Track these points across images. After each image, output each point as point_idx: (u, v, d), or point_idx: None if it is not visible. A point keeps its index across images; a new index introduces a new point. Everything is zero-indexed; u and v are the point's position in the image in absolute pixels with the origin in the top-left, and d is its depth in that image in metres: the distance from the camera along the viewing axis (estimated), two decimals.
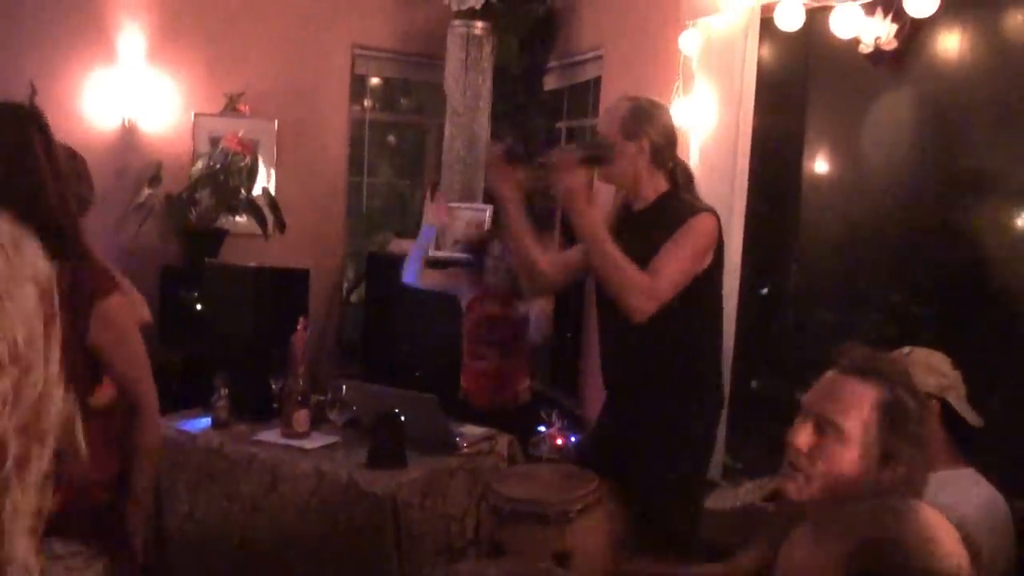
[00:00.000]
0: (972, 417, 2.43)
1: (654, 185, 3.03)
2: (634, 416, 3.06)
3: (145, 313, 2.84)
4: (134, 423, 2.40)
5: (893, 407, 1.77)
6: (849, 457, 1.75)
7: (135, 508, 2.45)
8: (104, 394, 2.36)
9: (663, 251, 2.85)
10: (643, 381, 3.04)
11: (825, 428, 1.79)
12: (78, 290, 2.16)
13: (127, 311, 2.36)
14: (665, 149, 3.02)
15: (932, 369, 2.44)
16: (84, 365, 2.26)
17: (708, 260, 2.93)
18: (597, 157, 2.94)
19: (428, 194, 5.09)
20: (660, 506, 2.92)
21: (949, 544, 1.18)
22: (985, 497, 2.32)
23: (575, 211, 2.87)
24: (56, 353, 1.03)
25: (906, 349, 2.50)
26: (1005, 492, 2.38)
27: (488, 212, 5.13)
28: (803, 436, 1.81)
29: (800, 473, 1.79)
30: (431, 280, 4.79)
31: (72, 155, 3.12)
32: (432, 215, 4.84)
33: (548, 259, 3.20)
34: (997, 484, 2.39)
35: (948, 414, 2.41)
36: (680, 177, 3.07)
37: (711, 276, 2.97)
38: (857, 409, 1.77)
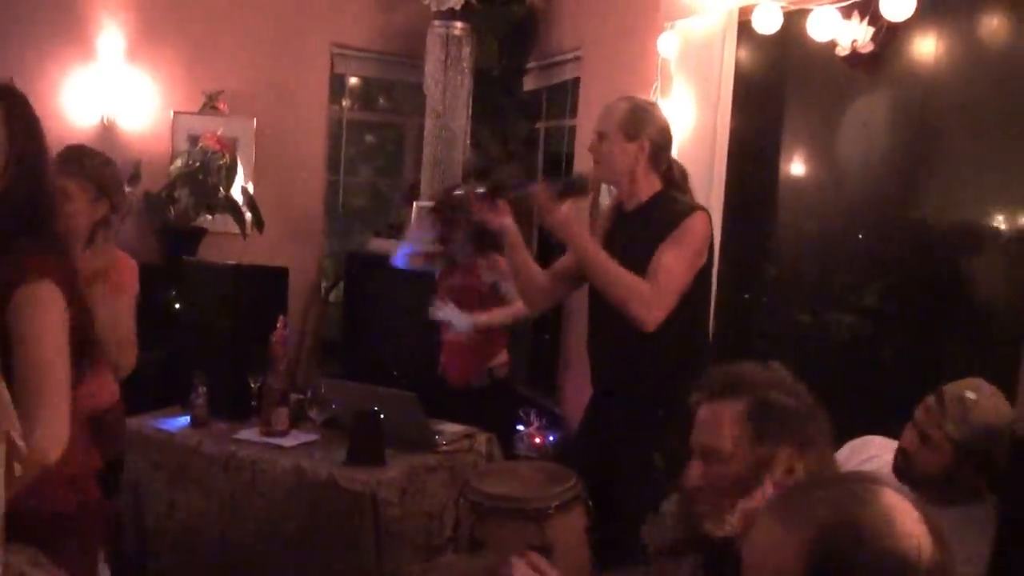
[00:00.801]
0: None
1: (649, 185, 3.06)
2: (620, 411, 3.08)
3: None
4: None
5: (761, 412, 1.82)
6: (731, 469, 1.82)
7: None
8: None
9: (664, 255, 2.88)
10: (629, 377, 3.07)
11: (708, 458, 1.86)
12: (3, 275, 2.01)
13: (44, 300, 2.04)
14: (663, 149, 3.07)
15: (990, 432, 2.29)
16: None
17: (704, 258, 2.98)
18: (572, 191, 2.97)
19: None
20: (644, 500, 2.93)
21: (909, 524, 1.20)
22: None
23: (568, 240, 2.94)
24: None
25: (972, 395, 2.34)
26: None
27: None
28: (692, 474, 1.88)
29: (706, 507, 1.85)
30: (417, 265, 4.85)
31: (106, 162, 3.17)
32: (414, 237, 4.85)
33: (545, 274, 3.23)
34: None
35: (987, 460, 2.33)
36: (676, 177, 3.12)
37: (704, 273, 3.01)
38: (727, 427, 1.83)
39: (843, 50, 3.53)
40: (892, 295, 3.58)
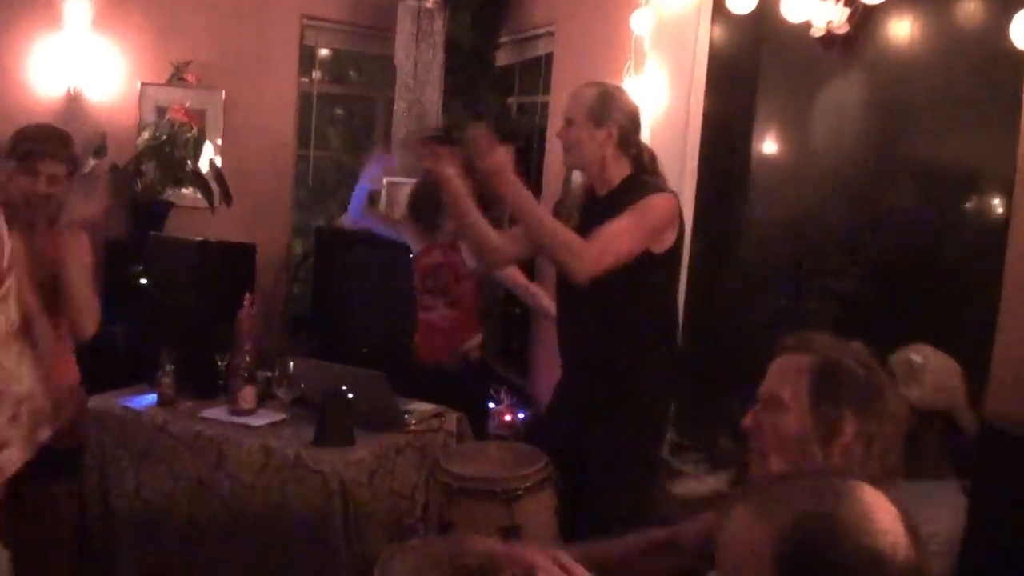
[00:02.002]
0: (973, 428, 2.41)
1: (618, 170, 3.07)
2: (588, 392, 3.09)
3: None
4: None
5: (825, 369, 1.80)
6: (788, 421, 1.79)
7: None
8: None
9: (613, 221, 2.88)
10: (597, 357, 3.08)
11: (767, 404, 1.85)
12: None
13: None
14: (631, 134, 3.07)
15: (942, 388, 2.42)
16: None
17: (667, 241, 2.97)
18: (519, 133, 2.95)
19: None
20: (613, 480, 2.96)
21: (887, 521, 1.19)
22: (959, 520, 2.29)
23: (501, 187, 2.86)
24: None
25: (918, 357, 2.46)
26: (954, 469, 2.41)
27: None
28: (749, 417, 1.87)
29: (754, 452, 1.85)
30: (376, 221, 4.79)
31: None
32: (369, 174, 4.78)
33: (499, 235, 3.20)
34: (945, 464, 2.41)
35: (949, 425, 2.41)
36: (645, 160, 3.12)
37: (670, 258, 3.02)
38: (790, 377, 1.82)
39: (818, 31, 3.51)
40: (866, 279, 3.59)
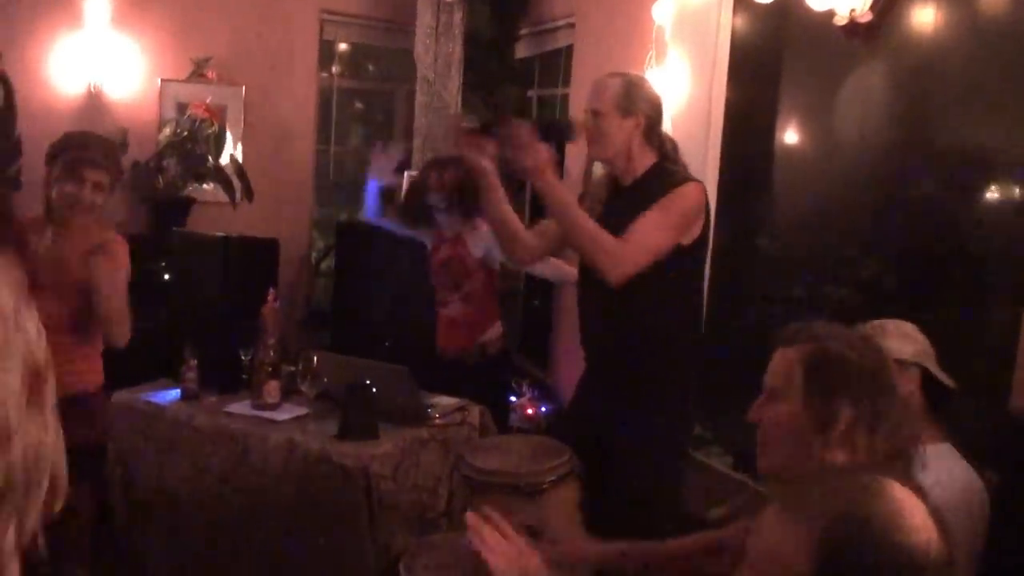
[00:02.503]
0: (948, 381, 2.45)
1: (643, 160, 3.03)
2: (613, 385, 3.07)
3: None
4: None
5: (816, 358, 1.79)
6: (785, 413, 1.80)
7: None
8: None
9: (642, 217, 2.85)
10: (622, 350, 3.05)
11: (768, 397, 1.86)
12: None
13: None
14: (656, 123, 3.04)
15: (906, 337, 2.47)
16: None
17: (695, 232, 2.94)
18: (558, 133, 2.94)
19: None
20: (639, 474, 2.94)
21: (918, 518, 1.18)
22: (963, 480, 2.32)
23: (541, 185, 2.86)
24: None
25: (876, 322, 2.51)
26: (978, 463, 2.40)
27: None
28: (753, 409, 1.89)
29: (759, 444, 1.87)
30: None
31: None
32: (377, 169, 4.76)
33: (529, 230, 3.19)
34: (970, 456, 2.40)
35: (925, 383, 2.43)
36: (668, 149, 3.09)
37: (697, 249, 2.99)
38: (785, 369, 1.83)
39: (841, 19, 3.47)
40: (889, 268, 3.56)
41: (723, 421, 4.04)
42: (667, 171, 3.01)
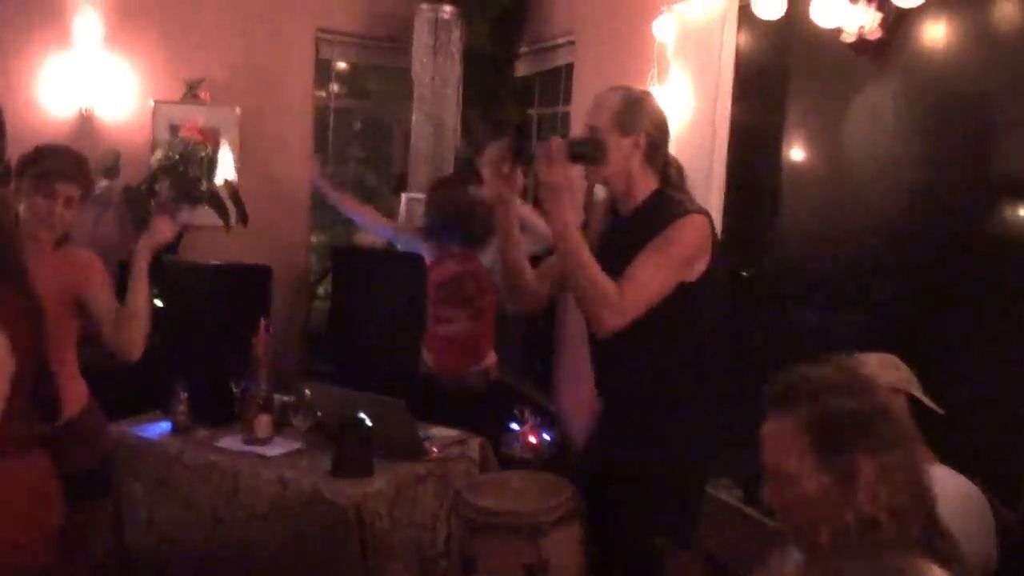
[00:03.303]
0: (935, 407, 2.44)
1: (645, 185, 2.77)
2: (626, 428, 2.83)
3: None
4: None
5: (818, 422, 1.69)
6: (805, 488, 1.69)
7: None
8: None
9: (639, 258, 2.60)
10: (634, 389, 2.82)
11: (777, 478, 1.75)
12: None
13: None
14: (659, 144, 2.78)
15: (888, 366, 2.46)
16: None
17: (700, 267, 2.67)
18: (587, 154, 2.74)
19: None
20: (649, 520, 2.68)
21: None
22: (961, 490, 2.31)
23: (554, 207, 2.62)
24: None
25: (859, 356, 2.44)
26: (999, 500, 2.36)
27: None
28: (767, 494, 1.79)
29: (791, 528, 1.77)
30: (386, 228, 4.72)
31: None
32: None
33: (536, 272, 2.94)
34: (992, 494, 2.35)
35: (913, 410, 2.41)
36: (672, 174, 2.83)
37: (705, 283, 2.69)
38: (786, 443, 1.72)
39: (849, 36, 3.39)
40: (899, 292, 3.46)
41: (729, 451, 3.92)
42: (669, 200, 2.74)
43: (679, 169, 2.88)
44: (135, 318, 3.03)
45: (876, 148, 3.55)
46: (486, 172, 2.85)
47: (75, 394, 3.03)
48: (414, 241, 4.57)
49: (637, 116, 2.73)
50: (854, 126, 3.66)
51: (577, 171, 2.74)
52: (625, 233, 2.75)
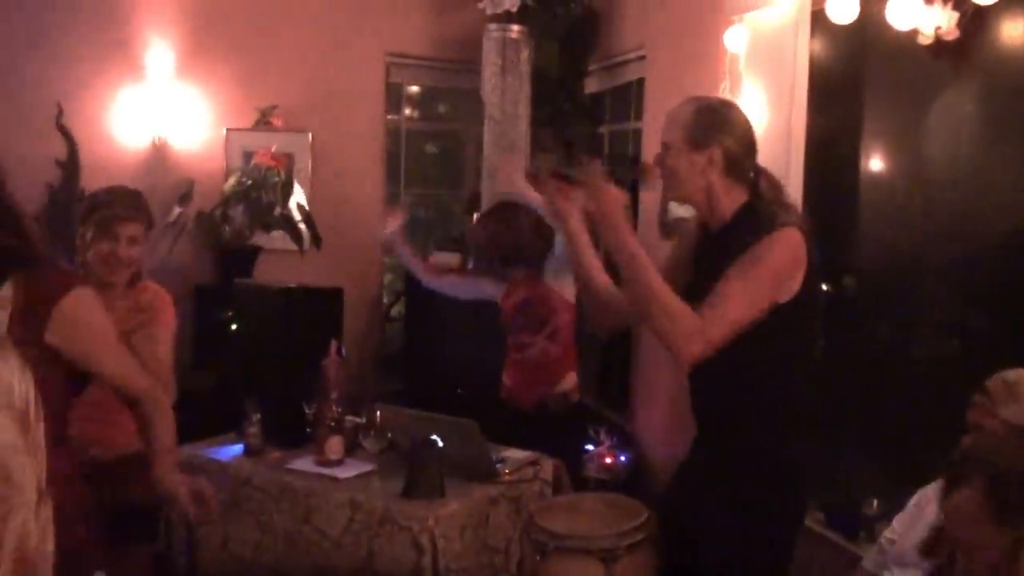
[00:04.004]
0: None
1: (731, 200, 2.56)
2: (716, 457, 2.64)
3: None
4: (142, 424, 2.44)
5: (999, 489, 1.68)
6: (992, 558, 1.70)
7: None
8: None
9: (724, 279, 2.40)
10: (727, 418, 2.62)
11: (966, 550, 1.78)
12: (35, 296, 2.12)
13: (90, 303, 2.25)
14: (743, 157, 2.56)
15: None
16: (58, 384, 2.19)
17: (793, 285, 2.44)
18: (626, 171, 2.64)
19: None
20: (736, 556, 2.52)
21: None
22: None
23: (609, 234, 2.47)
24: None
25: (1012, 373, 2.38)
26: None
27: None
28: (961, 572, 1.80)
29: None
30: (451, 284, 4.64)
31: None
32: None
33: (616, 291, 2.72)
34: None
35: None
36: (764, 187, 2.60)
37: (799, 305, 2.47)
38: (971, 513, 1.73)
39: (926, 39, 3.28)
40: (985, 310, 3.32)
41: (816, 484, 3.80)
42: (760, 214, 2.52)
43: (771, 179, 2.66)
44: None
45: (958, 154, 3.43)
46: (541, 193, 2.80)
47: (126, 433, 3.00)
48: (477, 284, 4.48)
49: (711, 128, 2.54)
50: (934, 132, 3.54)
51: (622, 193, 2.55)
52: (715, 251, 2.56)
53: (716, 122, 2.55)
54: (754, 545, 2.49)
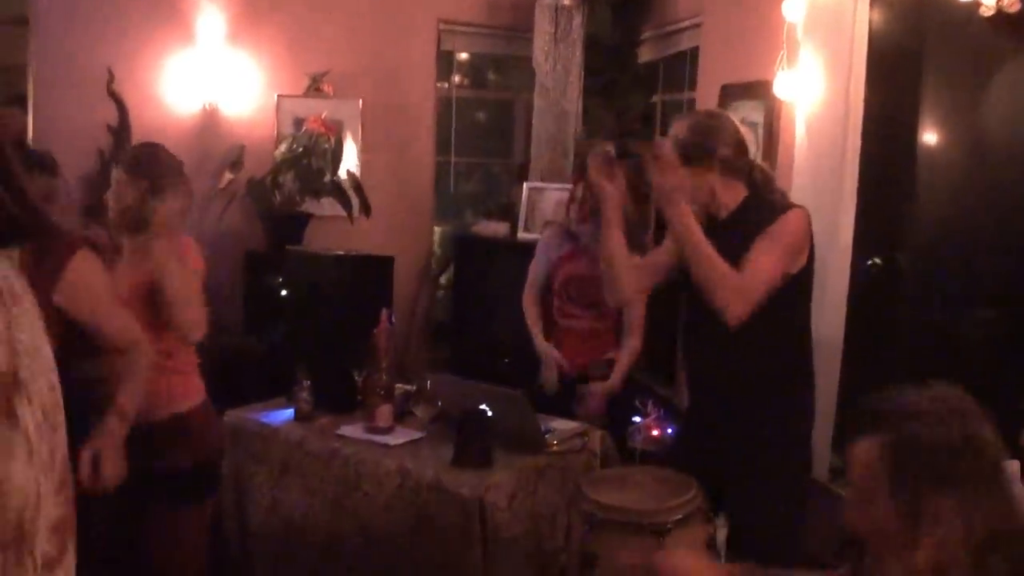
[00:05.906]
0: None
1: (733, 193, 2.90)
2: (727, 426, 2.92)
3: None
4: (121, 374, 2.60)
5: (898, 449, 1.62)
6: (876, 515, 1.65)
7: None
8: None
9: (755, 248, 2.74)
10: (733, 382, 2.91)
11: (855, 497, 1.72)
12: (43, 261, 2.26)
13: (92, 266, 2.46)
14: (736, 159, 2.88)
15: None
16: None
17: (802, 260, 2.83)
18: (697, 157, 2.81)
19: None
20: (757, 511, 2.83)
21: None
22: None
23: (673, 208, 2.75)
24: None
25: None
26: None
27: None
28: (845, 516, 1.74)
29: (866, 553, 1.75)
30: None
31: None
32: None
33: (635, 264, 3.11)
34: None
35: None
36: (758, 179, 2.95)
37: (805, 276, 2.87)
38: (866, 465, 1.67)
39: (988, 10, 3.21)
40: None
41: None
42: (766, 201, 2.90)
43: (764, 174, 2.99)
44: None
45: (1019, 130, 3.39)
46: (590, 170, 2.97)
47: (183, 391, 3.01)
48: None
49: (707, 144, 2.86)
50: (994, 107, 3.49)
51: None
52: (726, 235, 2.82)
53: (710, 137, 2.86)
54: (779, 489, 2.84)
